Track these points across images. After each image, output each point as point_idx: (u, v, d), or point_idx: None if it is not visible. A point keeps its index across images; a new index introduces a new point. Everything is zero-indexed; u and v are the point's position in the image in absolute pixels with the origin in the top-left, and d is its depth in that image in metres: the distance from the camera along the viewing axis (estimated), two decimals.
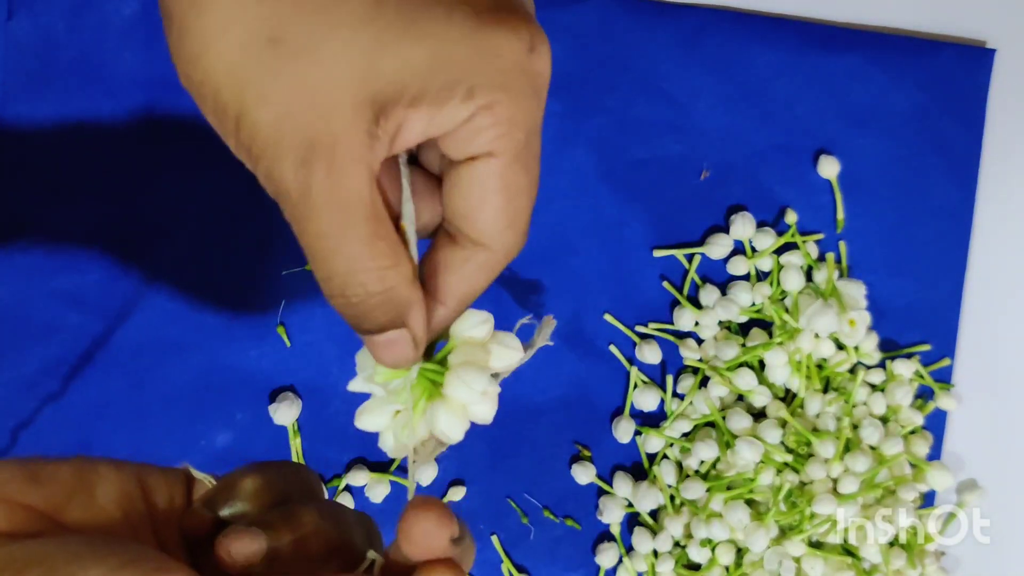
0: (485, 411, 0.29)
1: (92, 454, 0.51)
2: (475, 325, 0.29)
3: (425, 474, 0.49)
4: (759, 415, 0.48)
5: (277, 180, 0.26)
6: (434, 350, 0.29)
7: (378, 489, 0.49)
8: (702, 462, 0.48)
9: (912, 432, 0.49)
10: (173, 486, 0.28)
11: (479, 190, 0.27)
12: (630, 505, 0.49)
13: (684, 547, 0.48)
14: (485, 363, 0.28)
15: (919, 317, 0.50)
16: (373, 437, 0.49)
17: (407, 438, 0.29)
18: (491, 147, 0.27)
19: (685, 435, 0.49)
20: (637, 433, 0.49)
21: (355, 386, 0.30)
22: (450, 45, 0.25)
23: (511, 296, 0.49)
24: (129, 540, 0.25)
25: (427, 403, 0.29)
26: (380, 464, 0.49)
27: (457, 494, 0.49)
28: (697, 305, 0.50)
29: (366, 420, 0.30)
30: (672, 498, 0.48)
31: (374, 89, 0.25)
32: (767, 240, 0.49)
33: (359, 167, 0.26)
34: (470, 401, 0.28)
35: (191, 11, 0.25)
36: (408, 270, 0.27)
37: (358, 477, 0.49)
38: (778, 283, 0.49)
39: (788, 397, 0.49)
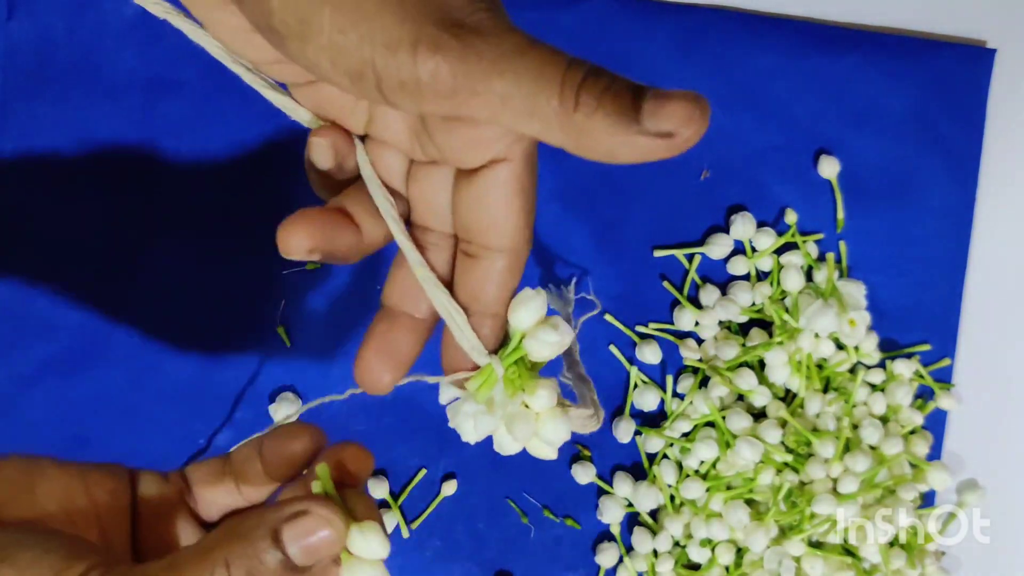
0: (555, 348, 0.30)
1: (91, 453, 0.51)
2: (531, 307, 0.29)
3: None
4: (759, 415, 0.48)
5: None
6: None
7: (378, 489, 0.49)
8: (702, 462, 0.48)
9: (912, 432, 0.49)
10: (117, 482, 0.30)
11: (499, 195, 0.27)
12: (630, 505, 0.49)
13: (684, 547, 0.48)
14: (550, 326, 0.30)
15: (919, 317, 0.50)
16: (371, 437, 0.49)
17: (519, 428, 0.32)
18: (507, 152, 0.27)
19: (685, 435, 0.49)
20: (637, 433, 0.49)
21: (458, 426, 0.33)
22: None
23: None
24: (58, 532, 0.27)
25: (526, 384, 0.30)
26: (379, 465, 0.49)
27: (449, 488, 0.49)
28: (697, 305, 0.50)
29: (507, 444, 0.33)
30: (672, 498, 0.48)
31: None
32: (767, 240, 0.49)
33: None
34: (549, 354, 0.30)
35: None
36: None
37: None
38: (778, 283, 0.49)
39: (788, 397, 0.49)
